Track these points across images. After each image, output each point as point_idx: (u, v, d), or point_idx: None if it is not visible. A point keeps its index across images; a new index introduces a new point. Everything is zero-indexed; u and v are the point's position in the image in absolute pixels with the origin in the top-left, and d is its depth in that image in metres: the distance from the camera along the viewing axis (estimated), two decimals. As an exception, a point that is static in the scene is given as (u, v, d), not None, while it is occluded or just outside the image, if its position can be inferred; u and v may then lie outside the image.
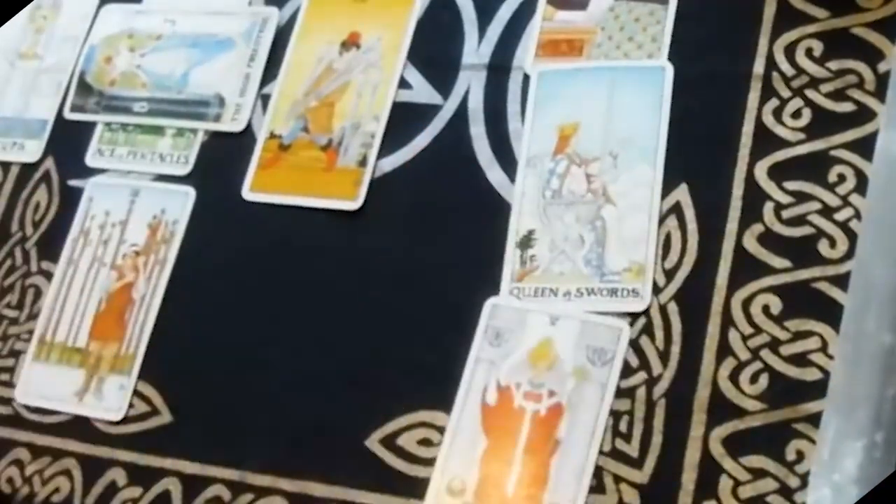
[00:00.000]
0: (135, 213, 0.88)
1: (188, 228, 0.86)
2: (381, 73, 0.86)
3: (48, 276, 0.88)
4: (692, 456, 0.68)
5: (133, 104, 0.92)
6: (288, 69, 0.89)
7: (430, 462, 0.73)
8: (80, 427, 0.82)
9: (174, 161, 0.89)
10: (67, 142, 0.93)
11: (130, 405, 0.81)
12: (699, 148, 0.76)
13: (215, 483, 0.77)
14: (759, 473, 0.67)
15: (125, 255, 0.86)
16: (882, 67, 0.74)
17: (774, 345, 0.69)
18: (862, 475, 0.63)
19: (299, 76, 0.88)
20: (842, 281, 0.69)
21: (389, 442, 0.75)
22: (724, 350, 0.70)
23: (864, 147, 0.72)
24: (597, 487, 0.69)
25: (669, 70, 0.78)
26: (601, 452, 0.70)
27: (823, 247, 0.71)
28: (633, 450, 0.70)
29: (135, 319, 0.84)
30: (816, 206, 0.72)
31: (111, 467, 0.80)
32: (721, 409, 0.69)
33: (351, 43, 0.88)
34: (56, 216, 0.90)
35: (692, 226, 0.74)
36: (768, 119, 0.75)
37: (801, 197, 0.72)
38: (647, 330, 0.72)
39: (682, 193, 0.75)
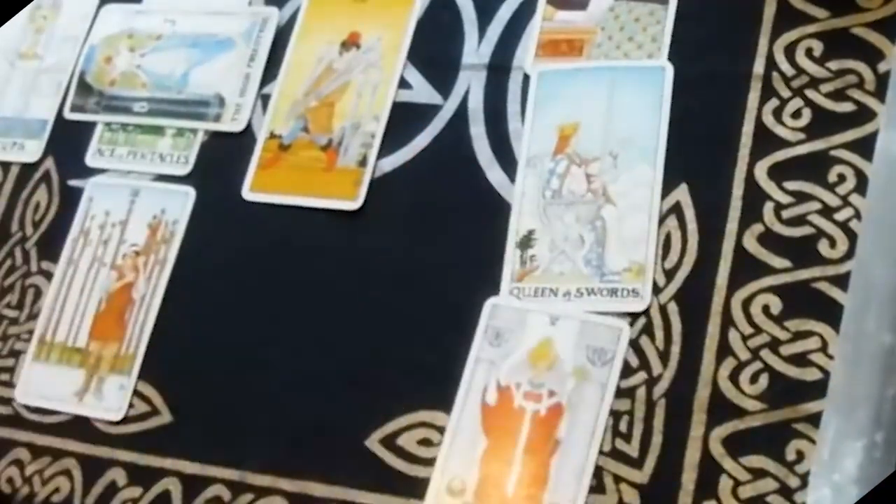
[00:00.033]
0: (135, 213, 0.88)
1: (188, 228, 0.86)
2: (381, 73, 0.86)
3: (48, 276, 0.88)
4: (692, 456, 0.68)
5: (133, 104, 0.92)
6: (288, 69, 0.89)
7: (430, 462, 0.73)
8: (80, 427, 0.82)
9: (174, 161, 0.89)
10: (67, 142, 0.93)
11: (130, 405, 0.81)
12: (699, 148, 0.76)
13: (215, 483, 0.77)
14: (759, 473, 0.67)
15: (125, 255, 0.86)
16: (882, 67, 0.74)
17: (774, 345, 0.69)
18: (862, 475, 0.63)
19: (299, 76, 0.88)
20: (842, 281, 0.69)
21: (389, 442, 0.75)
22: (724, 350, 0.70)
23: (864, 147, 0.72)
24: (597, 487, 0.69)
25: (669, 70, 0.78)
26: (601, 452, 0.70)
27: (823, 247, 0.71)
28: (633, 450, 0.70)
29: (135, 319, 0.84)
30: (816, 206, 0.72)
31: (111, 467, 0.80)
32: (721, 409, 0.69)
33: (351, 43, 0.88)
34: (56, 216, 0.90)
35: (692, 226, 0.74)
36: (768, 119, 0.75)
37: (801, 197, 0.72)
38: (647, 330, 0.72)
39: (682, 193, 0.75)
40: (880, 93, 0.73)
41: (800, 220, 0.72)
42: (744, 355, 0.70)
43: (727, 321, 0.71)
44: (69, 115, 0.94)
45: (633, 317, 0.73)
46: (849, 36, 0.75)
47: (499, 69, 0.83)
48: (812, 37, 0.76)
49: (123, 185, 0.89)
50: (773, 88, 0.76)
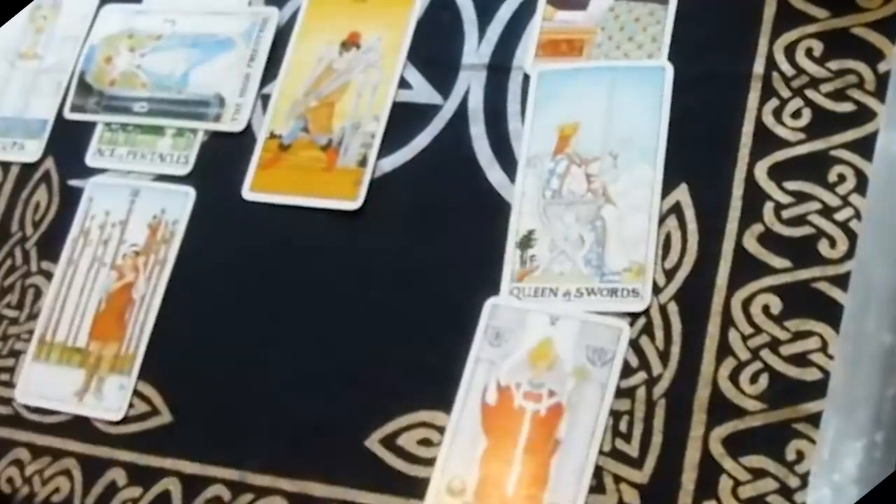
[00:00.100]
0: (135, 213, 0.88)
1: (188, 228, 0.86)
2: (381, 73, 0.86)
3: (48, 276, 0.88)
4: (692, 456, 0.68)
5: (133, 104, 0.92)
6: (288, 69, 0.89)
7: (430, 462, 0.73)
8: (80, 427, 0.82)
9: (174, 161, 0.89)
10: (67, 142, 0.93)
11: (130, 405, 0.81)
12: (699, 148, 0.76)
13: (215, 483, 0.77)
14: (759, 473, 0.67)
15: (125, 255, 0.86)
16: (882, 67, 0.74)
17: (774, 345, 0.69)
18: (862, 475, 0.63)
19: (299, 76, 0.88)
20: (842, 281, 0.69)
21: (389, 442, 0.75)
22: (724, 350, 0.70)
23: (864, 147, 0.72)
24: (597, 487, 0.69)
25: (669, 70, 0.78)
26: (601, 452, 0.70)
27: (823, 247, 0.71)
28: (633, 450, 0.70)
29: (135, 319, 0.84)
30: (816, 206, 0.72)
31: (111, 467, 0.80)
32: (721, 409, 0.69)
33: (351, 43, 0.88)
34: (56, 216, 0.90)
35: (692, 226, 0.74)
36: (768, 119, 0.75)
37: (801, 197, 0.72)
38: (647, 330, 0.72)
39: (682, 193, 0.75)
40: (880, 93, 0.73)
41: (800, 220, 0.72)
42: (744, 355, 0.70)
43: (727, 321, 0.71)
44: (69, 115, 0.94)
45: (633, 317, 0.73)
46: (849, 36, 0.75)
47: (499, 69, 0.83)
48: (812, 37, 0.76)
49: (123, 185, 0.89)
50: (773, 88, 0.76)
